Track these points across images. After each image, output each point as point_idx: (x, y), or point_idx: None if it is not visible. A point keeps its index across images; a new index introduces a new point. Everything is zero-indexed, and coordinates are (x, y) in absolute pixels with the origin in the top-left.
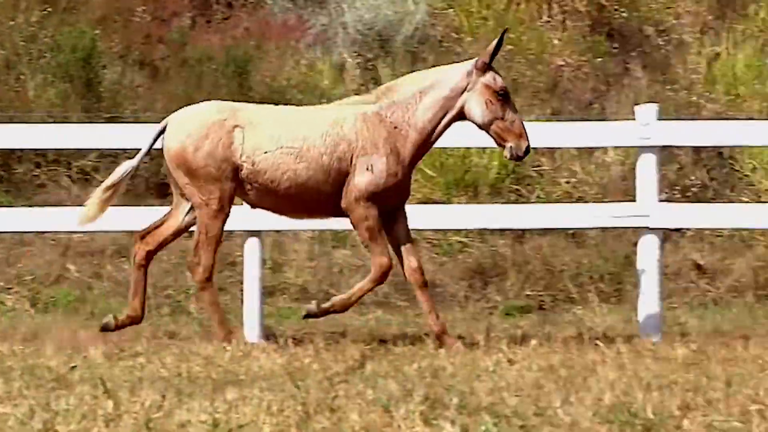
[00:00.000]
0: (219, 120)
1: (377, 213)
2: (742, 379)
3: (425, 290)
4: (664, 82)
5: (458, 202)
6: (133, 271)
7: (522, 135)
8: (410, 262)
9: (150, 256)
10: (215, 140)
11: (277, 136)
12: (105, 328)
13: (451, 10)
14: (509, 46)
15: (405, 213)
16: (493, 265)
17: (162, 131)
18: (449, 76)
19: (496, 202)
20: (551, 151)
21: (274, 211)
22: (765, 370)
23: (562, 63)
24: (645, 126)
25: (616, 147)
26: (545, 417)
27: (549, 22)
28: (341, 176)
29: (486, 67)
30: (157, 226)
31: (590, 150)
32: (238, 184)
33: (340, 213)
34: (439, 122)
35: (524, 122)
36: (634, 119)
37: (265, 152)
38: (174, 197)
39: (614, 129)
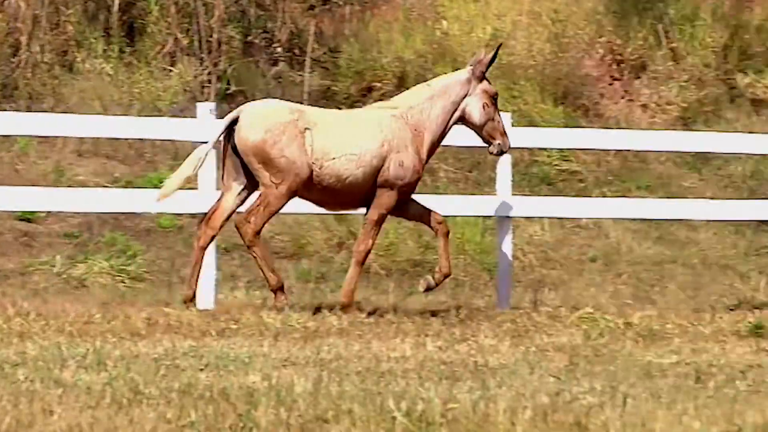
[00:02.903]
0: (292, 120)
1: (393, 205)
2: None
3: (447, 239)
4: None
5: None
6: (197, 252)
7: (505, 134)
8: (435, 215)
9: (212, 239)
10: (291, 138)
11: (341, 143)
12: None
13: None
14: None
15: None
16: None
17: (233, 122)
18: (454, 82)
19: None
20: None
21: (317, 204)
22: None
23: None
24: None
25: None
26: None
27: None
28: (379, 172)
29: (482, 75)
30: (215, 210)
31: None
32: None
33: (368, 204)
34: (447, 125)
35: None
36: None
37: (333, 158)
38: (225, 181)
39: None
